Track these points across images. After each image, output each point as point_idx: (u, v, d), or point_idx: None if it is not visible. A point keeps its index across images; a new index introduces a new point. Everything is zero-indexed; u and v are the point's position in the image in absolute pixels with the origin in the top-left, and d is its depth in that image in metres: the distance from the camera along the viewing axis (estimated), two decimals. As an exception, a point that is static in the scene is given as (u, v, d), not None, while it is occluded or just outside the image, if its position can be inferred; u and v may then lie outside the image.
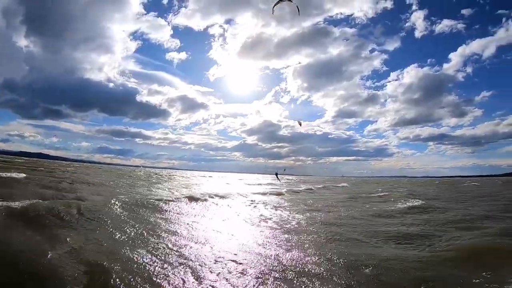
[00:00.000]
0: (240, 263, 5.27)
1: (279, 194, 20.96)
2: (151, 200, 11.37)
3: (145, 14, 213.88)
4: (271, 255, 5.82)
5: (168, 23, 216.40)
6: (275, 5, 8.49)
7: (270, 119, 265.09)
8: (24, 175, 17.01)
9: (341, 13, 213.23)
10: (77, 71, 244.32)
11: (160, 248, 5.72)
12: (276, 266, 5.18)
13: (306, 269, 5.08)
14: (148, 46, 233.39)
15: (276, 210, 12.45)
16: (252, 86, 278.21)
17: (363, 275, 4.86)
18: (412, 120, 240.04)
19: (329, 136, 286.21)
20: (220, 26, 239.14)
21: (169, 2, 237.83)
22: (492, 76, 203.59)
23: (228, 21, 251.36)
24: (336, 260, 5.46)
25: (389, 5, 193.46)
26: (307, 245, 6.67)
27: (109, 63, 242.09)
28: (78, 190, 14.08)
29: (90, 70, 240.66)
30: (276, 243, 6.72)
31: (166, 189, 21.39)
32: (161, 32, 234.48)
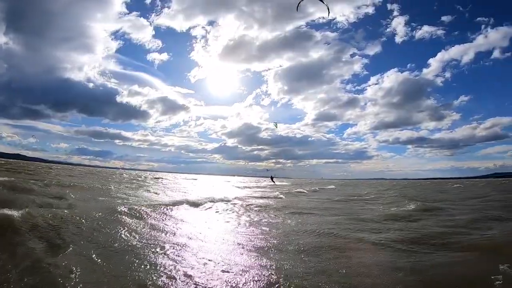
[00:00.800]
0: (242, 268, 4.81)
1: (274, 197, 20.56)
2: (148, 205, 10.61)
3: (128, 14, 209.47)
4: (268, 260, 5.36)
5: (150, 24, 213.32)
6: (301, 1, 8.18)
7: (251, 121, 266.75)
8: (5, 178, 15.82)
9: (323, 17, 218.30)
10: (57, 71, 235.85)
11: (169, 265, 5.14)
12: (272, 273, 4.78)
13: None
14: (129, 46, 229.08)
15: (278, 213, 11.99)
16: (233, 88, 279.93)
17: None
18: (392, 123, 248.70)
19: (309, 139, 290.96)
20: (203, 27, 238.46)
21: (152, 2, 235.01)
22: (470, 81, 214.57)
23: (211, 23, 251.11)
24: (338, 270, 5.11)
25: (370, 10, 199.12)
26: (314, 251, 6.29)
27: (89, 63, 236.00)
28: (67, 196, 13.11)
29: (70, 70, 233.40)
30: (280, 249, 6.28)
31: (158, 192, 20.50)
32: (142, 33, 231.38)
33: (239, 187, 37.00)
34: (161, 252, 5.65)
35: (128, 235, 6.61)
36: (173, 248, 5.93)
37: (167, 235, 7.10)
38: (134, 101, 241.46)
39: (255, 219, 10.63)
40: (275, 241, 7.02)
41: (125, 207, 9.50)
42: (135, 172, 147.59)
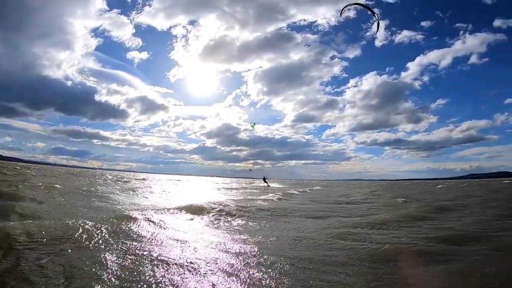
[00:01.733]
0: None
1: (273, 200, 19.94)
2: (149, 210, 9.70)
3: (108, 11, 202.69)
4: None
5: (131, 21, 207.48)
6: (346, 7, 7.62)
7: (230, 122, 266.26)
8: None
9: (304, 20, 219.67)
10: (35, 67, 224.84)
11: None
12: None
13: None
14: (109, 44, 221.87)
15: (291, 218, 11.41)
16: (213, 89, 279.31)
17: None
18: (370, 125, 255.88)
19: (288, 140, 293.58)
20: (184, 27, 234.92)
21: (133, 0, 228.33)
22: (447, 85, 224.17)
23: (192, 22, 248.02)
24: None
25: (351, 14, 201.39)
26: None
27: (68, 60, 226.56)
28: (64, 204, 12.02)
29: (49, 67, 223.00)
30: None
31: (150, 196, 19.53)
32: (123, 30, 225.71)
33: (230, 188, 36.10)
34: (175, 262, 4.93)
35: (132, 248, 5.80)
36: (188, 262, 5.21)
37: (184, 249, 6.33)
38: (113, 100, 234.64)
39: (272, 225, 10.01)
40: (310, 252, 6.42)
41: (125, 213, 8.61)
42: (115, 172, 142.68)
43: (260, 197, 19.89)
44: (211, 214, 11.13)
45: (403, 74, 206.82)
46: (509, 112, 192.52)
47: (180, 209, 11.21)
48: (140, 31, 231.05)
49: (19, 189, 14.16)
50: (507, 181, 62.49)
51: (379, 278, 4.83)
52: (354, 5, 7.88)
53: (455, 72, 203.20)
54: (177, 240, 6.63)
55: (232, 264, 5.20)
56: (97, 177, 41.60)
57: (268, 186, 36.72)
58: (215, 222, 9.93)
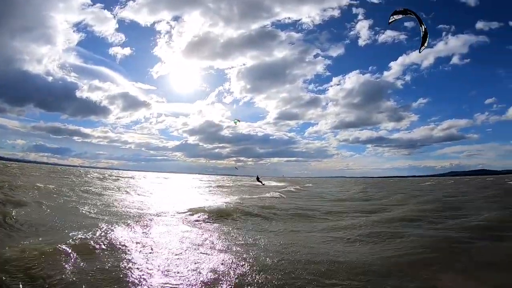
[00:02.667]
0: None
1: (280, 197, 19.71)
2: (174, 217, 9.13)
3: (91, 5, 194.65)
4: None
5: (114, 16, 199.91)
6: (395, 15, 7.19)
7: (212, 119, 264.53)
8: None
9: (289, 18, 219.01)
10: (15, 62, 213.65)
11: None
12: None
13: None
14: (91, 39, 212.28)
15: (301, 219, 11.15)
16: (196, 86, 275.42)
17: None
18: (352, 123, 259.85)
19: (271, 137, 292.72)
20: (167, 22, 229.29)
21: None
22: (429, 84, 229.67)
23: (176, 18, 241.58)
24: None
25: (336, 13, 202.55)
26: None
27: (49, 55, 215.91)
28: (65, 207, 11.14)
29: (29, 62, 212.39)
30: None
31: (155, 197, 18.79)
32: (106, 25, 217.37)
33: (224, 187, 35.56)
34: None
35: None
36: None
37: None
38: (94, 96, 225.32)
39: (312, 226, 9.66)
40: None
41: (131, 220, 8.05)
42: (98, 170, 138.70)
43: (268, 195, 19.60)
44: (238, 218, 10.64)
45: (385, 73, 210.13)
46: (489, 112, 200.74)
47: (198, 212, 10.67)
48: (123, 26, 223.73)
49: (10, 191, 13.10)
50: (490, 179, 65.09)
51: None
52: (407, 15, 7.44)
53: (437, 72, 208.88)
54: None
55: (292, 264, 4.81)
56: (83, 176, 39.91)
57: (263, 184, 36.02)
58: (247, 225, 9.55)
